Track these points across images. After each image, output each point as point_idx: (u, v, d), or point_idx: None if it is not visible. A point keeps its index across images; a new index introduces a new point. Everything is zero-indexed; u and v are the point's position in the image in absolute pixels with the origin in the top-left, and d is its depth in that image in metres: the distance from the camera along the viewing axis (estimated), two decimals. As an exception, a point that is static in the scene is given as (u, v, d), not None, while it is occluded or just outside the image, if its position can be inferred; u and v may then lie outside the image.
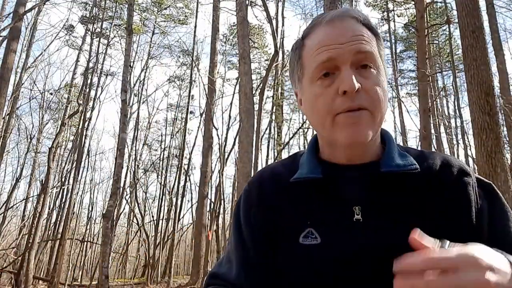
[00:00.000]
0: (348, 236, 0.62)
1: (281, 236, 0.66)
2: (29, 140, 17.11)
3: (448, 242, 0.44)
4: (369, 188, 0.64)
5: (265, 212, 0.70)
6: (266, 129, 16.88)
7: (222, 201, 13.39)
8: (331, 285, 0.61)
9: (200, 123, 16.49)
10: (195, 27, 15.84)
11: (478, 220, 0.62)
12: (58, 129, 12.56)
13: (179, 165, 16.53)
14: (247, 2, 8.73)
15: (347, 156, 0.67)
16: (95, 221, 22.33)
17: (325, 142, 0.70)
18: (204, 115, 14.71)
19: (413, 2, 10.39)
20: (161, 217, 18.87)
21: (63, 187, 17.09)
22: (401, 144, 0.75)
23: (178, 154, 19.26)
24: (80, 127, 14.46)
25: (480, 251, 0.42)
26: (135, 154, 18.74)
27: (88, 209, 22.42)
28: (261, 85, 9.07)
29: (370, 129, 0.61)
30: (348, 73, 0.61)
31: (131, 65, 12.94)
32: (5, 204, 15.36)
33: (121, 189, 14.51)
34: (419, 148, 0.73)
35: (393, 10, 17.86)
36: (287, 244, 0.65)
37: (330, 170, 0.67)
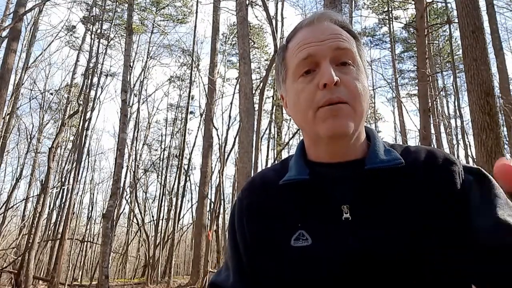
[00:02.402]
0: (337, 236, 0.62)
1: (274, 241, 0.67)
2: (29, 140, 17.13)
3: None
4: (356, 186, 0.64)
5: (257, 219, 0.70)
6: (266, 129, 16.91)
7: (222, 201, 13.39)
8: (324, 286, 0.61)
9: (200, 123, 16.53)
10: (195, 27, 15.84)
11: (467, 207, 0.61)
12: (58, 129, 12.56)
13: (179, 165, 16.52)
14: (247, 2, 8.73)
15: (331, 152, 0.67)
16: (95, 221, 22.35)
17: (310, 141, 0.71)
18: (204, 115, 14.72)
19: (412, 2, 10.39)
20: (161, 217, 18.88)
21: (63, 187, 17.09)
22: (401, 144, 0.75)
23: (178, 154, 19.25)
24: (80, 127, 14.46)
25: None
26: (135, 154, 18.75)
27: (88, 209, 22.46)
28: (261, 85, 9.07)
29: (350, 120, 0.63)
30: (327, 67, 0.63)
31: (131, 65, 12.95)
32: (5, 204, 15.36)
33: (121, 189, 14.51)
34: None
35: (391, 12, 17.86)
36: (280, 248, 0.65)
37: (317, 170, 0.68)
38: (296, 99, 0.67)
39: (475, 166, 0.67)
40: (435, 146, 11.97)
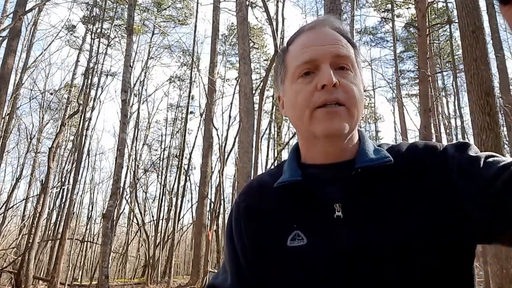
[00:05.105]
0: (331, 234, 0.64)
1: (271, 242, 0.69)
2: (29, 140, 17.13)
3: None
4: (347, 185, 0.66)
5: (255, 222, 0.73)
6: (266, 129, 16.91)
7: (222, 201, 13.39)
8: (321, 284, 0.62)
9: (200, 123, 16.52)
10: (195, 27, 15.87)
11: (454, 180, 0.61)
12: (58, 129, 12.56)
13: (179, 165, 16.54)
14: (247, 2, 8.72)
15: (325, 152, 0.70)
16: (95, 221, 22.33)
17: (304, 141, 0.73)
18: (204, 115, 14.72)
19: (413, 2, 10.38)
20: (161, 217, 18.88)
21: (63, 187, 17.09)
22: (388, 143, 0.77)
23: (178, 154, 19.25)
24: (80, 127, 14.46)
25: None
26: (135, 154, 18.75)
27: (88, 209, 22.44)
28: (261, 85, 9.06)
29: (346, 122, 0.65)
30: (327, 69, 0.65)
31: (131, 65, 12.94)
32: (5, 204, 15.36)
33: (121, 189, 14.52)
34: None
35: (393, 11, 17.84)
36: (276, 249, 0.67)
37: (310, 172, 0.70)
38: (294, 99, 0.69)
39: (458, 141, 0.68)
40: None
